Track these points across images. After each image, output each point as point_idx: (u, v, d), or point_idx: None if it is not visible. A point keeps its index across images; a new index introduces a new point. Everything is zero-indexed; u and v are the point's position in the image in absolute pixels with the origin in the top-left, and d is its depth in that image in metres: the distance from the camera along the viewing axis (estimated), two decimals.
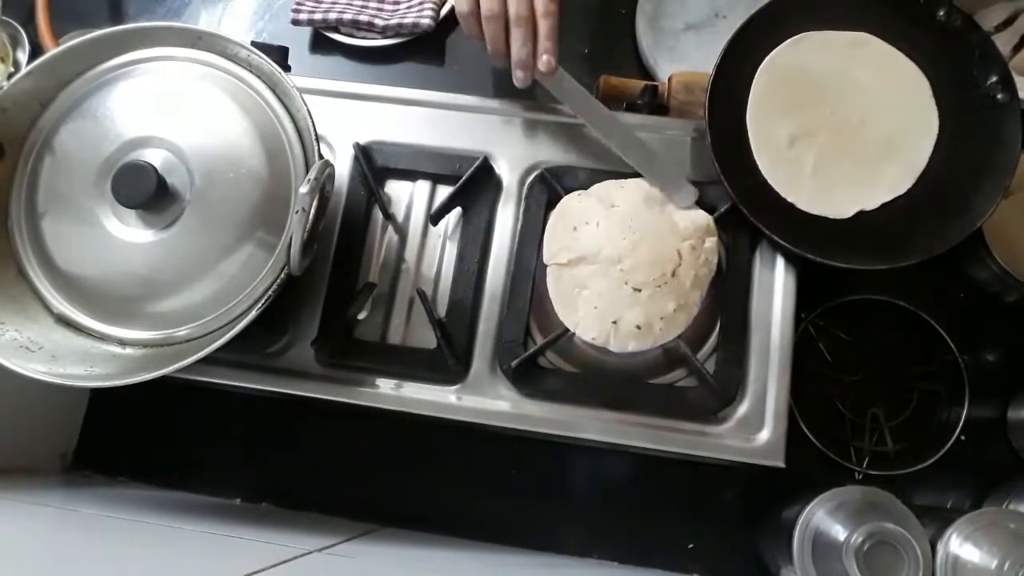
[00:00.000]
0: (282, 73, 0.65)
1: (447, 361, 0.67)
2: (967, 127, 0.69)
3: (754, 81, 0.71)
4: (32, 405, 0.77)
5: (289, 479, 0.83)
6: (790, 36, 0.72)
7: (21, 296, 0.64)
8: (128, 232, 0.63)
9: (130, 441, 0.85)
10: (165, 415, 0.84)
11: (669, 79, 0.80)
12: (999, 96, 0.67)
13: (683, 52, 0.88)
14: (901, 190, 0.69)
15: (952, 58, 0.69)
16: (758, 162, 0.70)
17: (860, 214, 0.69)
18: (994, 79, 0.67)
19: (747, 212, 0.67)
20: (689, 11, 0.90)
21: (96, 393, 0.85)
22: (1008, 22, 0.71)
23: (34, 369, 0.60)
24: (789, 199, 0.70)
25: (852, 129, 0.70)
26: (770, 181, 0.70)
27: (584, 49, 0.92)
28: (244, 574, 0.53)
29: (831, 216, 0.69)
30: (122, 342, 0.64)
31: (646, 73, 0.89)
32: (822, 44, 0.72)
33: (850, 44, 0.72)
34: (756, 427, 0.66)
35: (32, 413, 0.78)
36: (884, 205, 0.69)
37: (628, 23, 0.91)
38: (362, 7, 0.93)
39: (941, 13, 0.69)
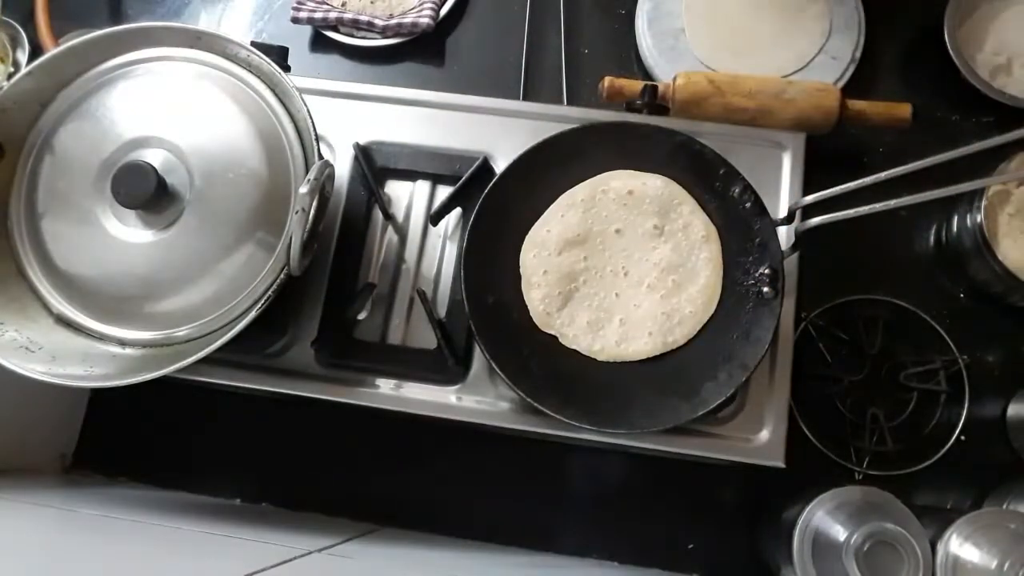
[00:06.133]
0: (282, 73, 0.65)
1: (447, 361, 0.67)
2: (733, 314, 0.65)
3: (555, 202, 0.68)
4: (32, 405, 0.77)
5: (289, 479, 0.83)
6: (608, 170, 0.69)
7: (21, 296, 0.64)
8: (128, 232, 0.63)
9: (130, 441, 0.85)
10: (165, 415, 0.84)
11: (674, 79, 0.80)
12: (764, 290, 0.64)
13: (683, 52, 0.88)
14: (642, 356, 0.65)
15: (736, 239, 0.66)
16: (522, 263, 0.67)
17: (593, 364, 0.65)
18: (765, 270, 0.64)
19: (474, 322, 0.63)
20: None
21: (96, 393, 0.85)
22: None
23: (34, 369, 0.60)
24: (536, 320, 0.66)
25: (631, 285, 0.66)
26: (526, 298, 0.66)
27: (584, 49, 0.92)
28: (244, 574, 0.53)
29: (582, 352, 0.65)
30: (122, 342, 0.64)
31: (646, 73, 0.89)
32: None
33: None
34: (756, 427, 0.66)
35: (32, 413, 0.78)
36: (624, 364, 0.65)
37: (628, 23, 0.91)
38: (363, 6, 0.94)
39: (735, 191, 0.66)
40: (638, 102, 0.79)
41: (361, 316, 0.71)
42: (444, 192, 0.73)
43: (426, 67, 0.93)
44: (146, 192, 0.60)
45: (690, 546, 0.78)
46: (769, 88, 0.77)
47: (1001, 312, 0.80)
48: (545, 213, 0.68)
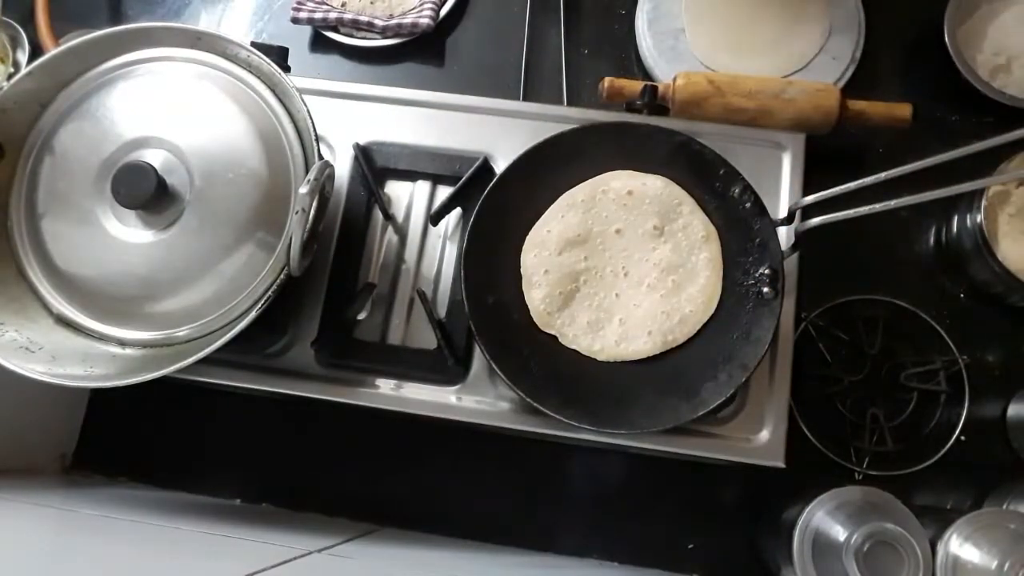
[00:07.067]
0: (282, 74, 0.65)
1: (447, 361, 0.67)
2: (733, 314, 0.65)
3: (555, 202, 0.68)
4: (32, 405, 0.77)
5: (289, 479, 0.83)
6: (608, 170, 0.69)
7: (21, 296, 0.64)
8: (128, 232, 0.63)
9: (130, 441, 0.85)
10: (165, 415, 0.84)
11: (674, 79, 0.80)
12: (765, 290, 0.64)
13: (683, 52, 0.88)
14: (641, 356, 0.65)
15: (736, 239, 0.66)
16: (522, 263, 0.67)
17: (593, 364, 0.65)
18: (765, 270, 0.64)
19: (474, 322, 0.63)
20: None
21: (96, 393, 0.85)
22: None
23: (34, 369, 0.60)
24: (537, 320, 0.66)
25: (631, 285, 0.67)
26: (527, 298, 0.66)
27: (584, 50, 0.92)
28: (244, 574, 0.53)
29: (582, 352, 0.65)
30: (122, 342, 0.64)
31: (646, 73, 0.89)
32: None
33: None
34: (756, 427, 0.66)
35: (32, 413, 0.78)
36: (624, 364, 0.65)
37: (628, 23, 0.91)
38: (363, 7, 0.94)
39: (735, 191, 0.66)
40: (638, 102, 0.79)
41: (361, 316, 0.71)
42: (444, 192, 0.73)
43: (426, 67, 0.93)
44: (146, 192, 0.60)
45: (690, 546, 0.78)
46: (769, 88, 0.77)
47: (1001, 312, 0.80)
48: (545, 213, 0.68)
